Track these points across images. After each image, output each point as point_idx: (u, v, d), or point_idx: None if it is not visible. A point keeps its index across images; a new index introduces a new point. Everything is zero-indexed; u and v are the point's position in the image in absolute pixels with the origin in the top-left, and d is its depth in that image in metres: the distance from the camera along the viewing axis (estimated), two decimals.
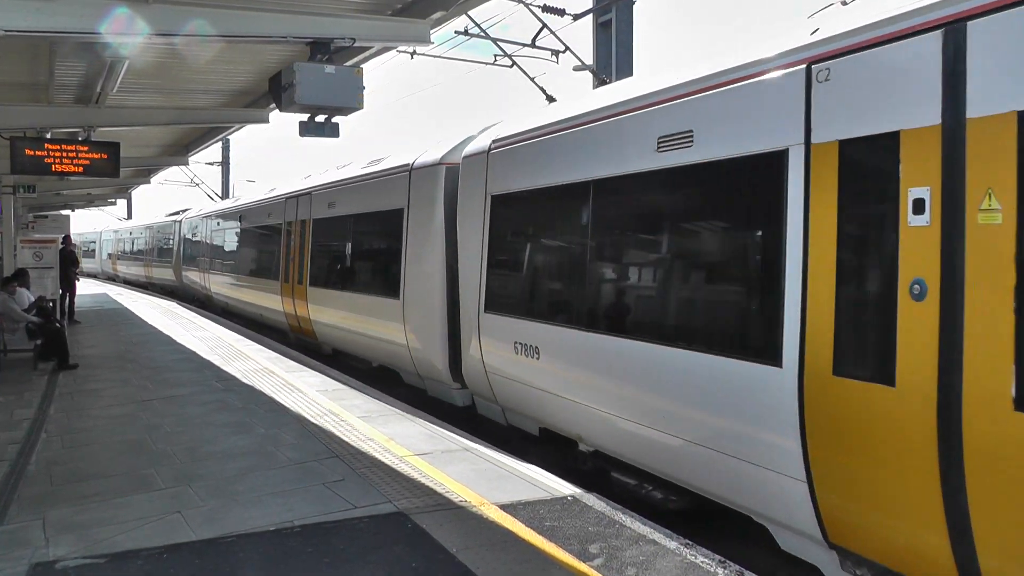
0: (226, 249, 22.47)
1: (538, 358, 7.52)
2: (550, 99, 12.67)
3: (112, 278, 46.92)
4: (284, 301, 16.10)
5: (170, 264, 31.73)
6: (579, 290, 7.13)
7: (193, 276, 26.94)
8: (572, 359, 7.08)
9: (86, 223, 55.12)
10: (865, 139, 4.53)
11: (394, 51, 12.04)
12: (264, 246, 18.41)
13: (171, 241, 31.49)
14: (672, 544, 5.15)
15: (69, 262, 20.46)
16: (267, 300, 17.50)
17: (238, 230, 21.05)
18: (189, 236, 27.83)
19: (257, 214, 19.13)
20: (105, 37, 7.49)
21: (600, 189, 6.88)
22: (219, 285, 22.86)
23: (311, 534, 5.37)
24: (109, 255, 49.00)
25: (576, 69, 14.39)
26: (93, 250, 54.46)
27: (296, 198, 16.03)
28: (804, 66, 4.93)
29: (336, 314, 13.35)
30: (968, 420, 3.95)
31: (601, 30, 15.44)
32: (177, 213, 32.58)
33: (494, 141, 8.70)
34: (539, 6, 13.34)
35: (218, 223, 23.51)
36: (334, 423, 8.62)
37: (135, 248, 40.66)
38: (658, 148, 6.15)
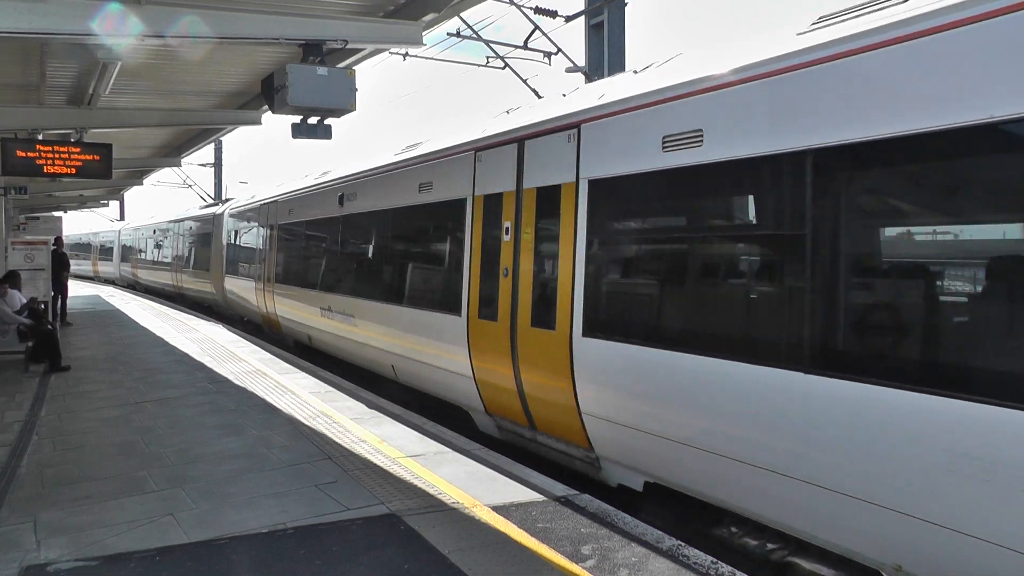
0: (310, 253, 14.37)
1: None
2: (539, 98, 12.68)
3: (132, 285, 38.66)
4: (477, 359, 8.34)
5: (207, 272, 23.89)
6: None
7: (243, 291, 19.15)
8: None
9: (103, 218, 51.95)
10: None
11: (386, 53, 12.04)
12: (407, 246, 10.44)
13: (209, 240, 23.93)
14: (665, 545, 5.16)
15: (60, 264, 20.36)
16: (423, 349, 9.52)
17: (337, 219, 12.84)
18: (236, 234, 20.61)
19: (391, 187, 10.76)
20: (96, 38, 7.48)
21: None
22: (296, 308, 14.72)
23: (304, 536, 5.37)
24: (129, 257, 39.54)
25: (568, 71, 14.43)
26: (111, 248, 44.47)
27: (519, 142, 7.88)
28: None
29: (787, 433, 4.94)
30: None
31: (593, 32, 15.48)
32: (216, 203, 26.16)
33: None
34: (531, 8, 13.37)
35: (290, 210, 15.54)
36: (326, 425, 8.61)
37: (161, 249, 32.08)
38: None
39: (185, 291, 27.64)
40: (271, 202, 17.07)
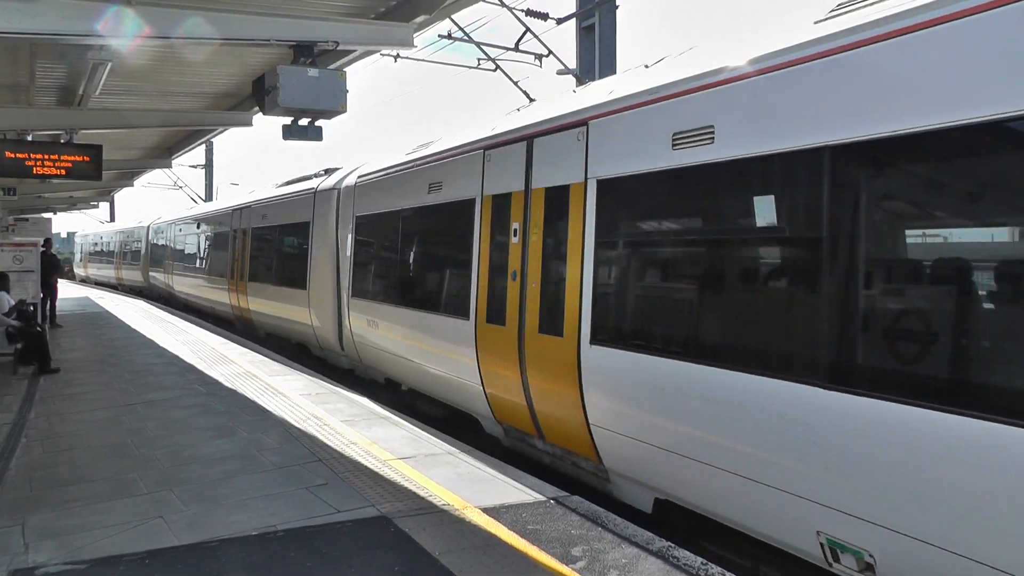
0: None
1: None
2: (531, 101, 12.68)
3: (165, 300, 28.56)
4: None
5: (300, 292, 14.58)
6: None
7: (418, 342, 9.91)
8: None
9: (129, 210, 46.46)
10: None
11: (377, 54, 12.05)
12: None
13: (303, 237, 14.74)
14: (655, 546, 5.17)
15: (51, 266, 20.27)
16: None
17: None
18: (379, 225, 11.53)
19: None
20: (87, 39, 7.47)
21: None
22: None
23: (294, 538, 5.37)
24: (162, 262, 28.82)
25: (560, 73, 14.44)
26: (137, 250, 34.08)
27: None
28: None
29: None
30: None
31: (584, 34, 15.52)
32: (314, 176, 15.82)
33: None
34: (522, 10, 13.37)
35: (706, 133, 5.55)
36: (317, 427, 8.60)
37: (212, 252, 21.95)
38: None
39: (256, 318, 17.84)
40: (567, 126, 7.19)
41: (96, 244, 45.54)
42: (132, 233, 35.56)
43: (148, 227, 32.21)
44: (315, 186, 14.58)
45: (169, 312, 24.15)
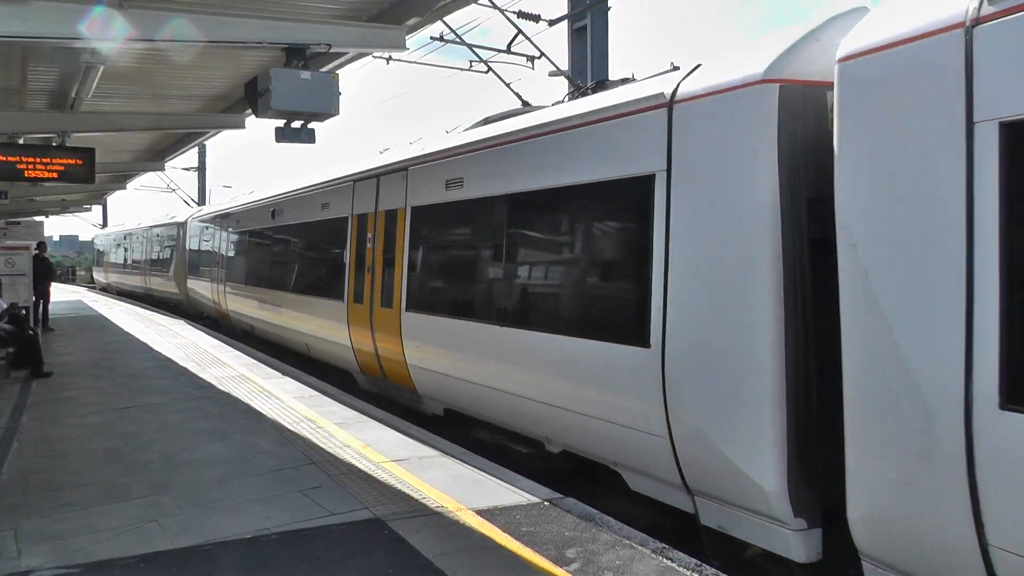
0: None
1: None
2: (526, 104, 12.68)
3: (212, 322, 21.29)
4: None
5: (623, 355, 6.03)
6: None
7: None
8: None
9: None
10: None
11: (370, 56, 12.06)
12: None
13: (622, 223, 6.36)
14: (649, 548, 5.19)
15: (44, 271, 20.16)
16: None
17: None
18: None
19: None
20: (79, 42, 7.46)
21: None
22: None
23: (289, 541, 5.37)
24: (208, 269, 21.11)
25: (552, 75, 14.46)
26: (168, 258, 27.59)
27: None
28: None
29: None
30: None
31: (576, 36, 15.54)
32: (587, 92, 8.27)
33: None
34: (514, 12, 13.40)
35: None
36: (311, 430, 8.59)
37: (308, 257, 14.00)
38: None
39: (431, 383, 9.30)
40: None
41: (118, 245, 38.24)
42: (163, 232, 28.29)
43: (185, 223, 24.78)
44: (668, 91, 5.93)
45: (162, 314, 24.00)
